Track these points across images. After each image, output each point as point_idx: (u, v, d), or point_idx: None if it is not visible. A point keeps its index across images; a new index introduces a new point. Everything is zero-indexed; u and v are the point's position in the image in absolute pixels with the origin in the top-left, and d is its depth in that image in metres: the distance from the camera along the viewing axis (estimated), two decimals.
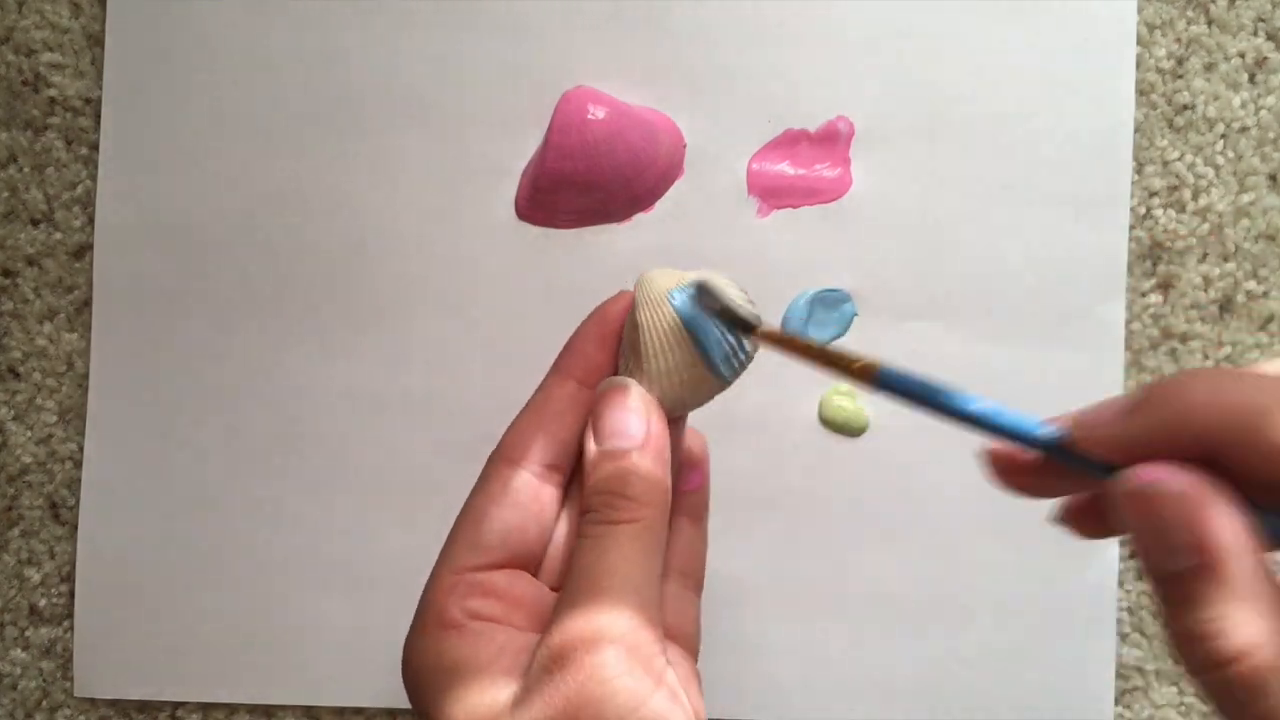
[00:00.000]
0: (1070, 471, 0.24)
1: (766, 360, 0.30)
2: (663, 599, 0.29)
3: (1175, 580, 0.20)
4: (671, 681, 0.26)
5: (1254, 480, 0.20)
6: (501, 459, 0.30)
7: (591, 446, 0.29)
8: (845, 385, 0.48)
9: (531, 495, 0.29)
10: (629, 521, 0.27)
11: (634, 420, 0.28)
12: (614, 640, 0.25)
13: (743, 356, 0.29)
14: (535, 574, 0.29)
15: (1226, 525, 0.19)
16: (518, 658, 0.26)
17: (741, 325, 0.29)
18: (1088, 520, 0.25)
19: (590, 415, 0.29)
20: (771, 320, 0.49)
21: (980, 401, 0.25)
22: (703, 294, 0.29)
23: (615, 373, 0.31)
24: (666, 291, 0.29)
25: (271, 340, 0.49)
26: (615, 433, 0.28)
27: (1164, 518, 0.20)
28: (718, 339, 0.29)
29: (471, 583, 0.28)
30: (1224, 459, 0.20)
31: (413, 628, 0.29)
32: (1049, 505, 0.48)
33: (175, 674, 0.49)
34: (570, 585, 0.27)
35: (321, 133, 0.49)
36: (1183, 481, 0.19)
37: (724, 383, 0.30)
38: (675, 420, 0.30)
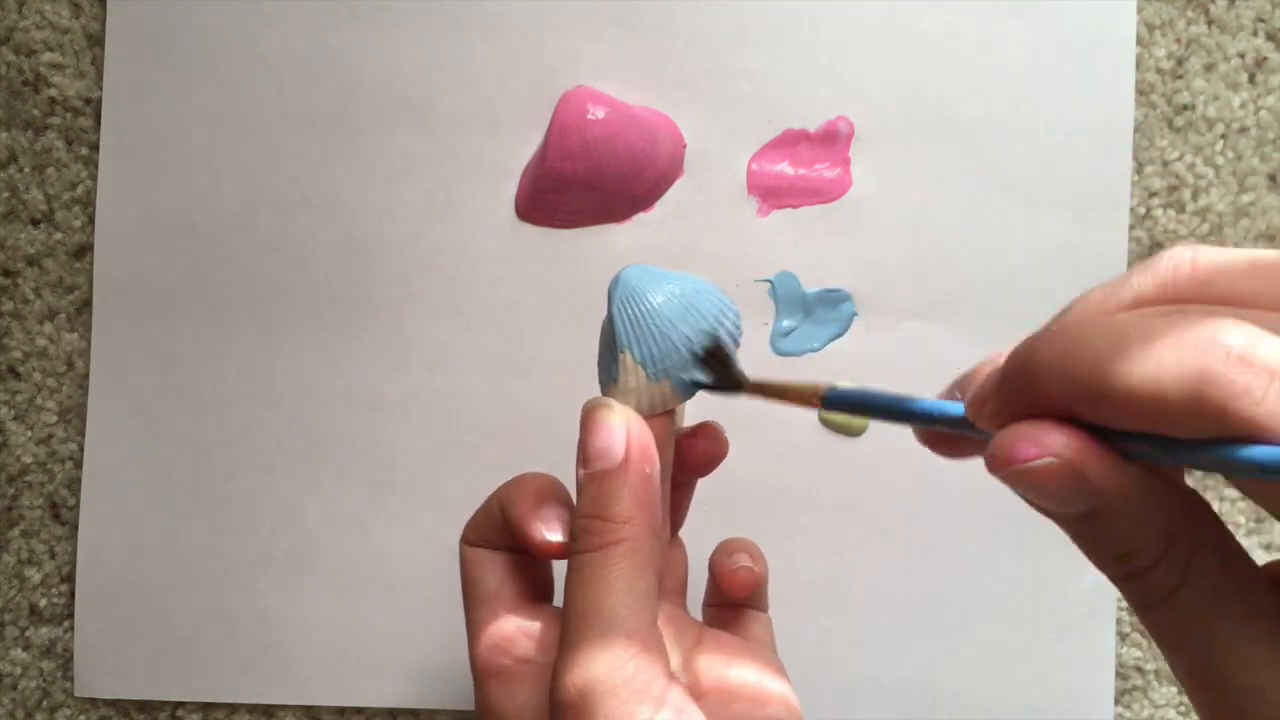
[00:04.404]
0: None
1: (768, 361, 0.30)
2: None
3: (1074, 520, 0.21)
4: (676, 700, 0.26)
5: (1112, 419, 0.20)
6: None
7: (580, 473, 0.28)
8: (845, 384, 0.48)
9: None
10: (612, 544, 0.27)
11: (611, 439, 0.28)
12: (604, 686, 0.25)
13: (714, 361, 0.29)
14: None
15: (1100, 474, 0.20)
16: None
17: (733, 384, 0.29)
18: (948, 445, 0.26)
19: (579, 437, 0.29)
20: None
21: (914, 400, 0.25)
22: (712, 355, 0.29)
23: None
24: (643, 291, 0.29)
25: (271, 340, 0.49)
26: (597, 455, 0.28)
27: (1039, 488, 0.21)
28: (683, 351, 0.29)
29: None
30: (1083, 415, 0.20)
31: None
32: None
33: (175, 674, 0.49)
34: (564, 628, 0.27)
35: (321, 133, 0.49)
36: (1046, 452, 0.20)
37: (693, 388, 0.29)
38: (664, 414, 0.30)
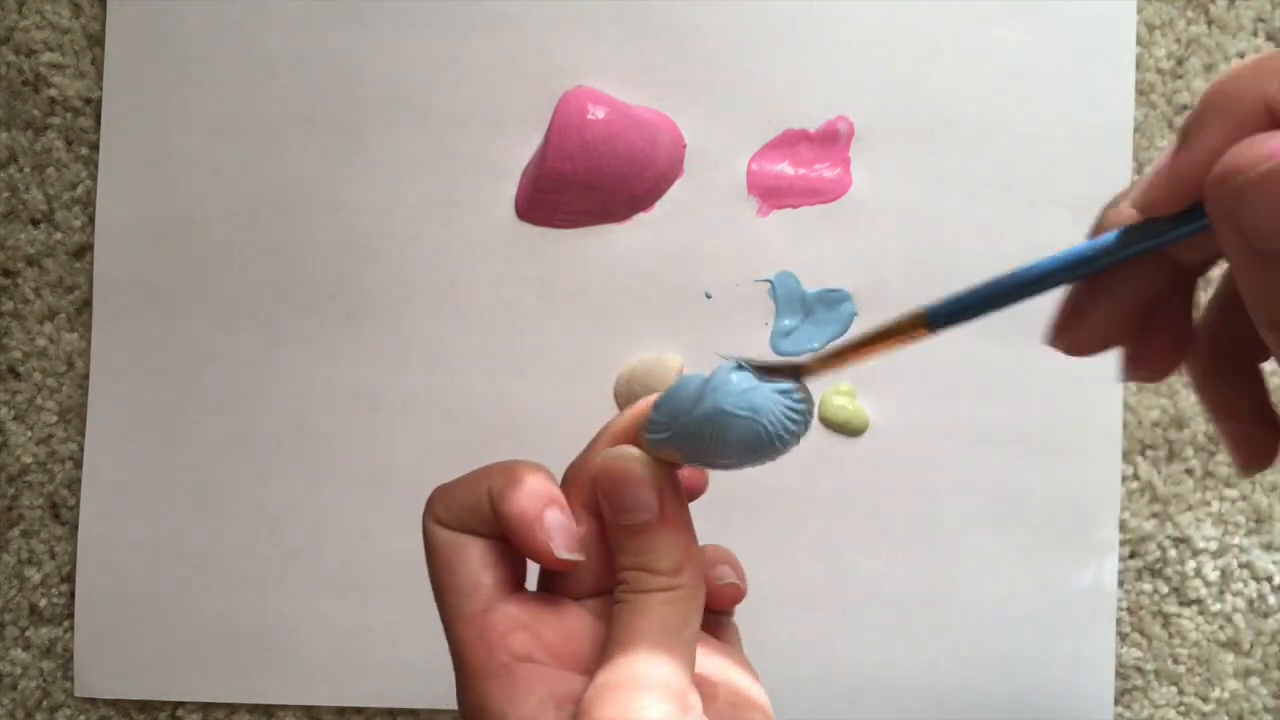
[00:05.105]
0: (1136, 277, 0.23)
1: None
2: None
3: None
4: None
5: None
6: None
7: (612, 519, 0.28)
8: (845, 385, 0.48)
9: None
10: (662, 590, 0.27)
11: (646, 492, 0.28)
12: (651, 686, 0.25)
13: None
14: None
15: None
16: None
17: (791, 374, 0.27)
18: (1080, 328, 0.24)
19: (600, 484, 0.28)
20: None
21: (1042, 261, 0.23)
22: (748, 371, 0.27)
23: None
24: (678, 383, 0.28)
25: (271, 340, 0.49)
26: (630, 507, 0.28)
27: None
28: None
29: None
30: None
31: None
32: (1048, 507, 0.48)
33: (175, 674, 0.49)
34: (610, 643, 0.27)
35: (321, 133, 0.49)
36: None
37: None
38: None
